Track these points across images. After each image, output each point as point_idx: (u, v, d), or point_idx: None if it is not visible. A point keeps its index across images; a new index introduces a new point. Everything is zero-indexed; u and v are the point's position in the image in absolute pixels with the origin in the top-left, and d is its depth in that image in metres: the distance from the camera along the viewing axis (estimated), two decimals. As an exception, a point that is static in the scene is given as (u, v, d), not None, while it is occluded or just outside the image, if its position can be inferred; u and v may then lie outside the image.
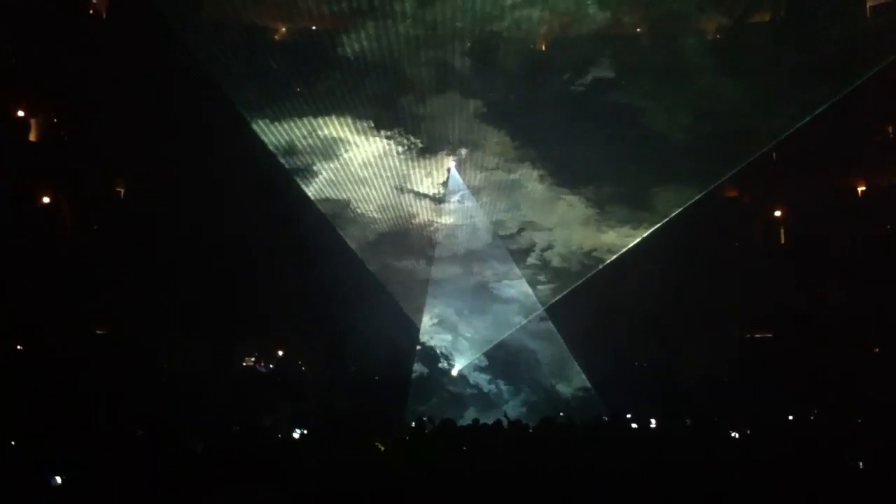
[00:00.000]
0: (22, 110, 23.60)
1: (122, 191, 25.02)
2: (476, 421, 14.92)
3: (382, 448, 12.91)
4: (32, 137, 23.88)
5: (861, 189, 24.94)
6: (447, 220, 24.73)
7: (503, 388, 23.83)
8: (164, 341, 23.21)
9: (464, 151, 24.02)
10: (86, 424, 12.90)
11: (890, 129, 24.91)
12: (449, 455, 11.91)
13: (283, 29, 24.19)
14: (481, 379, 24.30)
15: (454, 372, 24.45)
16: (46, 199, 23.51)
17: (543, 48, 24.42)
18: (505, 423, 14.22)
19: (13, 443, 11.45)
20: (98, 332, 23.20)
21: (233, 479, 9.61)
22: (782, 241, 25.61)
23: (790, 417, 16.74)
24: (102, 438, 11.54)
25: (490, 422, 14.23)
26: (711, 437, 12.98)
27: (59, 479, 9.92)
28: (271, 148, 22.75)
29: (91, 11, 24.84)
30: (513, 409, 21.89)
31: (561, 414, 18.24)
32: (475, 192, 24.56)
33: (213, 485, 9.54)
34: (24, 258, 20.58)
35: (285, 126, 22.74)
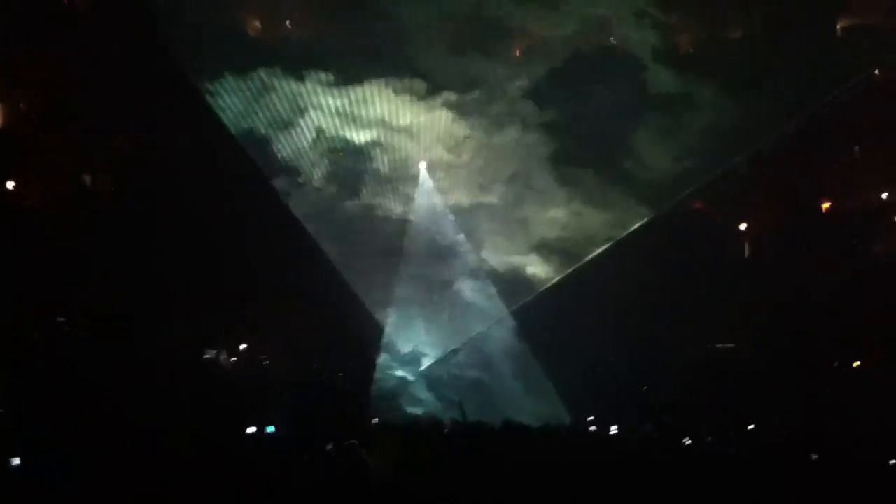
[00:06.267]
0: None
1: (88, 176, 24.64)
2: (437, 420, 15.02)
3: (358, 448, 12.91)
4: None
5: (828, 206, 25.36)
6: (416, 220, 24.67)
7: (464, 387, 23.71)
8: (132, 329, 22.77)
9: (435, 151, 24.19)
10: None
11: (857, 150, 25.38)
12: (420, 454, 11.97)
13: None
14: (444, 379, 24.19)
15: (420, 368, 24.38)
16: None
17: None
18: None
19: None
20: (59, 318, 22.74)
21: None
22: (749, 254, 25.91)
23: (750, 427, 17.00)
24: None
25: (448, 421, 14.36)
26: (669, 442, 13.15)
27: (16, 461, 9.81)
28: (235, 135, 22.86)
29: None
30: (473, 410, 21.84)
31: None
32: (444, 192, 24.68)
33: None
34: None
35: (255, 113, 23.13)
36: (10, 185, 22.49)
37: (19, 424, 12.33)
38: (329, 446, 12.52)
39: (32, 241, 21.56)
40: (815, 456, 13.47)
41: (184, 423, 13.55)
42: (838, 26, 24.86)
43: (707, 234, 25.23)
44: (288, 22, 24.64)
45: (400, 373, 24.12)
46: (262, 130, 23.44)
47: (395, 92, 23.48)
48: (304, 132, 23.75)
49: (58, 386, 16.92)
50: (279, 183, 23.57)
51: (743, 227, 25.56)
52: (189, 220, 22.03)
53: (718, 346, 23.78)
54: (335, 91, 23.37)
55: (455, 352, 24.27)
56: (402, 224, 24.65)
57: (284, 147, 23.70)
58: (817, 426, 16.83)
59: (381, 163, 24.24)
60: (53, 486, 9.56)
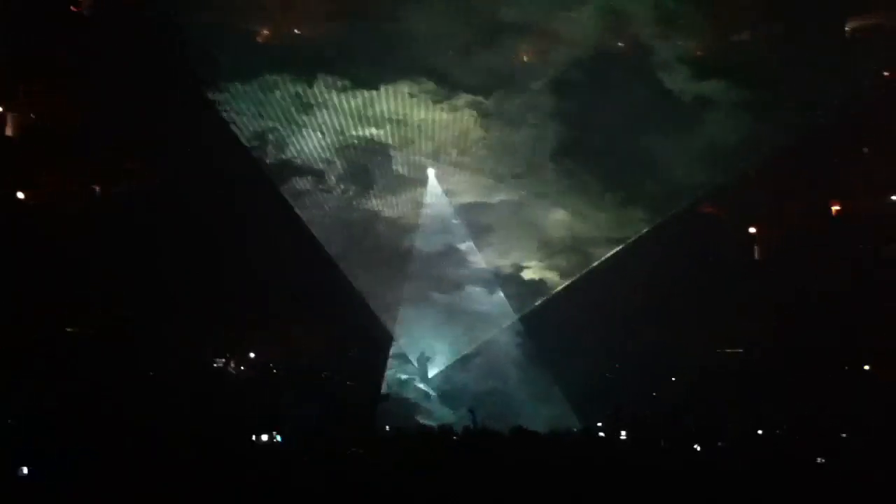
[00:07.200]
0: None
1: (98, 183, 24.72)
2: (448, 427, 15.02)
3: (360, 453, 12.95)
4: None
5: (839, 209, 25.27)
6: (424, 223, 24.59)
7: (476, 395, 23.56)
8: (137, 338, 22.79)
9: (445, 157, 24.19)
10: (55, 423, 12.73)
11: (868, 154, 25.33)
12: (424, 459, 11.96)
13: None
14: (456, 386, 24.03)
15: (430, 375, 24.24)
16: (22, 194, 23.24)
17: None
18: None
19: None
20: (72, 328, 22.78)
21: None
22: (761, 257, 25.82)
23: (759, 432, 16.91)
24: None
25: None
26: (678, 450, 13.09)
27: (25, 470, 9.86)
28: (245, 141, 23.01)
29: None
30: (486, 419, 21.71)
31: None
32: (453, 194, 24.64)
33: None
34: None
35: (263, 119, 23.29)
36: (11, 186, 22.68)
37: (21, 425, 12.37)
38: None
39: (34, 243, 21.65)
40: (821, 460, 13.36)
41: (184, 425, 13.60)
42: (849, 28, 24.83)
43: (715, 239, 25.16)
44: (298, 24, 24.68)
45: (409, 380, 24.01)
46: (271, 134, 23.57)
47: (407, 94, 23.46)
48: (314, 135, 23.74)
49: (59, 386, 16.98)
50: (286, 186, 23.59)
51: (752, 231, 25.50)
52: (193, 224, 22.09)
53: (728, 350, 23.69)
54: (346, 94, 23.35)
55: (466, 358, 24.11)
56: (412, 227, 24.53)
57: (293, 151, 23.80)
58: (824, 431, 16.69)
59: (390, 165, 24.26)
60: (54, 486, 9.61)
